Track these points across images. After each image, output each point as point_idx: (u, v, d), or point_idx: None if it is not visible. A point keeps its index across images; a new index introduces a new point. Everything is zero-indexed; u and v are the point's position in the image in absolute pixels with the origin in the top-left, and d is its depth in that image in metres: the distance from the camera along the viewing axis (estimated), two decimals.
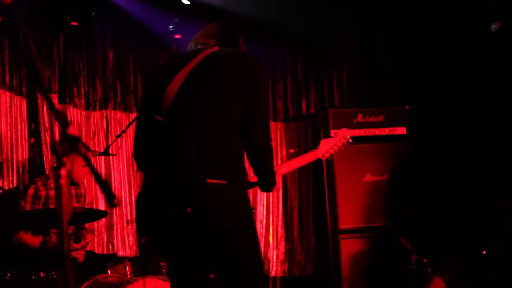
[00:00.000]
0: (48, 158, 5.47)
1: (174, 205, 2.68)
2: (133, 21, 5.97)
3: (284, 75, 6.71)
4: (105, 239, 5.74)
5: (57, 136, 5.47)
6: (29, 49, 1.86)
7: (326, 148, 3.48)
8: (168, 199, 2.70)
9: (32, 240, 4.55)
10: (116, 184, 5.84)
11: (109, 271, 4.58)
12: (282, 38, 6.58)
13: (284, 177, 6.37)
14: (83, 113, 5.79)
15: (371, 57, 6.79)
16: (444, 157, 6.06)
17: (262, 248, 6.28)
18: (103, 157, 5.68)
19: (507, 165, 5.47)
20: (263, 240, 6.41)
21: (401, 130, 6.13)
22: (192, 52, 2.94)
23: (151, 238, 2.89)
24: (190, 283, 2.83)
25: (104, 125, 5.88)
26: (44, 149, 5.48)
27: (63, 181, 1.77)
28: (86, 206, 4.99)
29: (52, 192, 4.68)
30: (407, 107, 6.20)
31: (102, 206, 5.63)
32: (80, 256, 4.65)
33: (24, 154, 5.40)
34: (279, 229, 6.54)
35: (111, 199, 1.82)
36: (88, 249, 4.86)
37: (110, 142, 5.60)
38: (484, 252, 5.14)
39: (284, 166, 3.32)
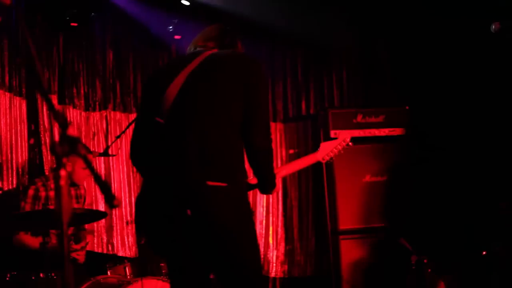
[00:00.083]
0: (47, 159, 5.47)
1: (174, 207, 2.69)
2: (133, 21, 5.97)
3: (284, 75, 6.70)
4: (104, 240, 5.73)
5: (56, 137, 5.46)
6: (29, 49, 1.86)
7: (326, 151, 3.48)
8: (168, 201, 2.70)
9: (32, 241, 4.55)
10: (115, 185, 5.84)
11: (108, 272, 4.57)
12: (281, 38, 6.57)
13: (284, 178, 6.33)
14: (83, 113, 5.79)
15: (371, 58, 6.79)
16: (443, 158, 6.06)
17: (262, 249, 6.28)
18: (102, 158, 5.68)
19: (506, 165, 5.47)
20: (262, 240, 6.41)
21: (401, 131, 6.12)
22: (191, 54, 2.95)
23: (151, 239, 2.89)
24: (190, 284, 2.83)
25: (104, 125, 5.87)
26: (44, 150, 5.47)
27: (62, 182, 1.77)
28: (85, 207, 4.99)
29: (52, 193, 4.68)
30: (407, 107, 6.19)
31: (102, 207, 5.63)
32: (80, 257, 4.64)
33: (23, 155, 5.40)
34: (279, 230, 6.53)
35: (111, 200, 1.82)
36: (87, 249, 4.85)
37: (109, 143, 5.59)
38: (484, 253, 5.14)
39: (284, 168, 3.33)
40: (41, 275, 3.98)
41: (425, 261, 5.33)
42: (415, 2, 5.98)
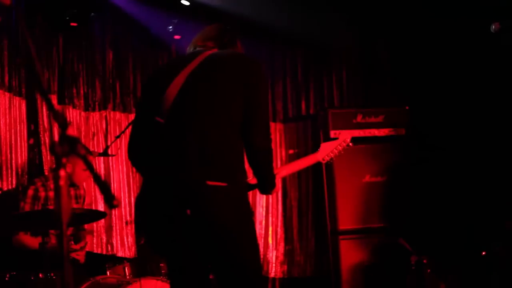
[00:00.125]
0: (47, 159, 5.46)
1: (174, 206, 2.69)
2: (133, 21, 5.96)
3: (283, 75, 6.70)
4: (104, 240, 5.73)
5: (56, 137, 5.46)
6: (29, 49, 1.86)
7: (326, 151, 3.48)
8: (168, 200, 2.70)
9: (31, 241, 4.54)
10: (115, 185, 5.83)
11: (108, 272, 4.57)
12: (281, 38, 6.57)
13: (284, 178, 6.32)
14: (83, 113, 5.78)
15: (371, 58, 6.78)
16: (443, 158, 6.06)
17: (261, 249, 6.28)
18: (102, 158, 5.68)
19: (507, 166, 5.47)
20: (262, 241, 6.40)
21: (401, 131, 6.12)
22: (191, 54, 2.95)
23: (151, 239, 2.89)
24: (190, 284, 2.83)
25: (104, 125, 5.87)
26: (43, 150, 5.47)
27: (62, 182, 1.76)
28: (85, 207, 4.99)
29: (51, 193, 4.68)
30: (407, 107, 6.19)
31: (101, 207, 5.62)
32: (80, 257, 4.64)
33: (23, 155, 5.39)
34: (279, 230, 6.53)
35: (110, 200, 1.82)
36: (86, 249, 4.85)
37: (109, 143, 5.59)
38: (483, 253, 5.14)
39: (284, 168, 3.33)
40: (40, 275, 3.97)
41: (424, 261, 5.33)
42: (415, 2, 5.97)
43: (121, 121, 5.94)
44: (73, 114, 5.72)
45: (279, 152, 6.56)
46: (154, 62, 6.12)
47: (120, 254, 5.72)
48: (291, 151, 6.60)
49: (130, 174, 5.90)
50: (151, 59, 6.15)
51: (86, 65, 5.85)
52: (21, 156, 5.37)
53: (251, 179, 2.95)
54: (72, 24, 5.63)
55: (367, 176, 6.00)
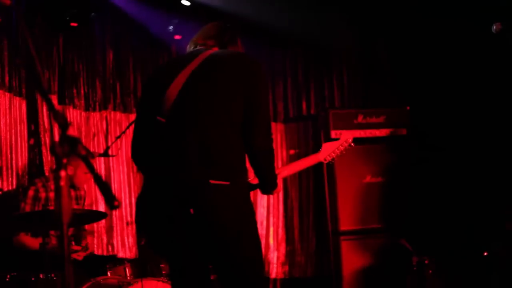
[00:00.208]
0: (47, 160, 5.45)
1: (175, 206, 2.68)
2: (133, 22, 5.96)
3: (284, 76, 6.70)
4: (104, 241, 5.72)
5: (56, 137, 5.45)
6: (29, 49, 1.85)
7: (328, 151, 3.47)
8: (169, 200, 2.70)
9: (32, 241, 4.54)
10: (115, 186, 5.82)
11: (108, 273, 4.56)
12: (282, 39, 6.56)
13: (285, 178, 6.30)
14: (83, 114, 5.77)
15: (372, 58, 6.78)
16: (444, 158, 6.05)
17: (262, 250, 6.26)
18: (102, 158, 5.67)
19: (507, 167, 5.46)
20: (263, 241, 6.39)
21: (402, 131, 6.11)
22: (191, 53, 2.95)
23: (152, 240, 2.88)
24: (191, 285, 2.82)
25: (104, 126, 5.86)
26: (44, 150, 5.46)
27: (62, 183, 1.76)
28: (85, 208, 4.98)
29: (52, 194, 4.67)
30: (408, 108, 6.18)
31: (102, 207, 5.61)
32: (80, 257, 4.63)
33: (23, 155, 5.38)
34: (280, 231, 6.52)
35: (111, 201, 1.81)
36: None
37: (109, 143, 5.58)
38: (485, 254, 5.13)
39: (286, 169, 3.32)
40: (41, 276, 3.97)
41: (426, 262, 5.32)
42: (415, 3, 5.97)
43: (122, 121, 5.93)
44: (73, 114, 5.71)
45: (280, 152, 6.56)
46: (154, 62, 6.11)
47: (120, 254, 5.72)
48: (292, 152, 6.60)
49: (131, 174, 5.90)
50: (151, 59, 6.14)
51: (86, 65, 5.84)
52: (21, 156, 5.36)
53: (253, 179, 2.94)
54: (72, 24, 5.62)
55: (368, 176, 6.00)
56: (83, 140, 5.64)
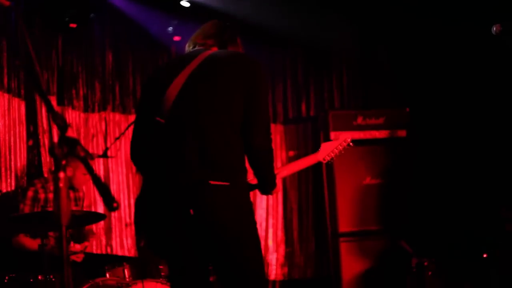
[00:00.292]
0: (46, 161, 5.44)
1: (176, 207, 2.68)
2: (132, 23, 5.95)
3: (284, 77, 6.69)
4: (103, 242, 5.71)
5: (55, 138, 5.44)
6: (28, 50, 1.85)
7: (326, 151, 3.47)
8: (169, 201, 2.69)
9: (31, 243, 4.53)
10: (114, 187, 5.82)
11: (107, 274, 4.55)
12: (281, 40, 6.56)
13: (284, 180, 6.34)
14: (82, 115, 5.77)
15: (371, 59, 6.77)
16: (444, 160, 6.05)
17: (262, 251, 6.26)
18: (101, 159, 5.66)
19: (507, 169, 5.46)
20: (262, 243, 6.38)
21: (402, 133, 6.11)
22: (191, 53, 2.95)
23: (151, 241, 2.88)
24: (191, 286, 2.82)
25: (103, 127, 5.85)
26: (43, 152, 5.45)
27: (61, 184, 1.75)
28: (84, 209, 4.97)
29: (51, 195, 4.66)
30: (408, 109, 6.18)
31: (101, 209, 5.60)
32: (78, 259, 4.63)
33: (22, 156, 5.37)
34: (279, 232, 6.52)
35: (110, 202, 1.81)
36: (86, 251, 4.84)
37: (108, 145, 5.57)
38: (485, 255, 5.13)
39: (285, 169, 3.31)
40: (39, 277, 3.96)
41: (425, 263, 5.32)
42: (415, 4, 5.96)
43: (121, 122, 5.92)
44: (72, 116, 5.71)
45: (279, 153, 6.55)
46: (154, 64, 6.11)
47: (119, 256, 5.70)
48: (291, 153, 6.59)
49: (130, 175, 5.89)
50: (150, 60, 6.13)
51: (85, 66, 5.84)
52: (20, 157, 5.35)
53: (252, 179, 2.94)
54: (71, 25, 5.61)
55: (367, 178, 5.99)
56: (82, 141, 5.63)
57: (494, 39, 3.41)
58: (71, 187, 4.78)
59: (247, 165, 2.82)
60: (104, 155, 5.05)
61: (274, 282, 6.45)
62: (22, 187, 5.23)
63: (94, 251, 5.60)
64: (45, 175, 5.28)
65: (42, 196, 4.64)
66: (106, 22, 5.95)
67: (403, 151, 6.09)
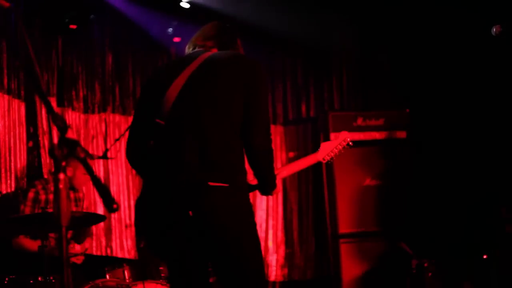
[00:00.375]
0: (46, 162, 5.44)
1: (175, 208, 2.68)
2: (132, 24, 5.95)
3: (283, 78, 6.69)
4: (103, 243, 5.71)
5: (55, 139, 5.43)
6: (28, 52, 1.85)
7: (326, 151, 3.46)
8: (168, 202, 2.69)
9: (31, 244, 4.53)
10: (114, 188, 5.81)
11: (107, 276, 4.54)
12: (281, 41, 6.56)
13: (284, 181, 6.35)
14: (82, 116, 5.77)
15: (371, 60, 6.77)
16: (444, 161, 6.05)
17: (262, 252, 6.25)
18: (101, 160, 5.66)
19: (507, 170, 5.46)
20: (262, 244, 6.37)
21: (401, 134, 6.11)
22: (191, 55, 2.95)
23: (151, 242, 2.88)
24: (190, 287, 2.81)
25: (103, 128, 5.85)
26: (43, 153, 5.45)
27: (61, 186, 1.75)
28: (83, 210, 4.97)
29: (52, 196, 4.66)
30: (407, 110, 6.18)
31: (101, 210, 5.60)
32: (79, 261, 4.62)
33: (22, 157, 5.37)
34: (279, 233, 6.52)
35: (110, 204, 1.81)
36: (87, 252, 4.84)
37: (108, 146, 5.57)
38: (485, 256, 5.13)
39: (285, 169, 3.31)
40: (39, 278, 3.96)
41: (425, 264, 5.32)
42: (414, 6, 5.96)
43: (121, 123, 5.92)
44: (72, 117, 5.71)
45: (279, 154, 6.55)
46: (153, 65, 6.10)
47: (119, 257, 5.70)
48: (291, 154, 6.60)
49: (130, 177, 5.89)
50: (150, 62, 6.13)
51: (85, 67, 5.84)
52: (20, 159, 5.35)
53: (252, 180, 2.93)
54: (71, 26, 5.61)
55: (367, 179, 5.99)
56: (82, 143, 5.63)
57: (494, 39, 3.41)
58: (71, 187, 4.78)
59: (247, 165, 2.82)
60: (104, 157, 5.05)
61: (274, 283, 6.45)
62: (22, 188, 5.23)
63: (94, 253, 5.60)
64: (45, 176, 5.28)
65: (43, 197, 4.64)
66: (106, 23, 5.95)
67: (403, 152, 6.09)
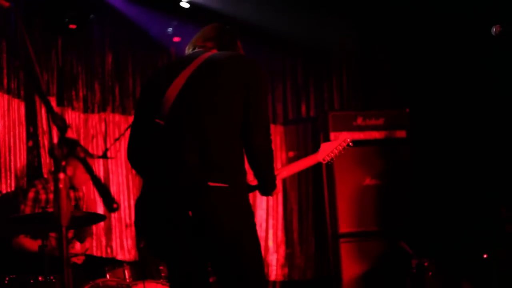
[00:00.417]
0: (46, 162, 5.44)
1: (175, 209, 2.68)
2: (132, 24, 5.95)
3: (283, 78, 6.69)
4: (103, 243, 5.71)
5: (55, 139, 5.43)
6: (27, 52, 1.85)
7: (326, 151, 3.46)
8: (168, 203, 2.69)
9: (31, 244, 4.53)
10: (114, 188, 5.81)
11: (108, 275, 4.54)
12: (281, 41, 6.56)
13: (284, 181, 6.33)
14: (81, 116, 5.76)
15: (371, 60, 6.77)
16: (444, 160, 6.05)
17: (262, 252, 6.25)
18: (101, 160, 5.66)
19: (507, 169, 5.46)
20: (262, 243, 6.39)
21: (401, 133, 6.11)
22: (191, 55, 2.95)
23: (151, 242, 2.88)
24: (190, 287, 2.81)
25: (103, 128, 5.85)
26: (42, 153, 5.45)
27: (61, 185, 1.75)
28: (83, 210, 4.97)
29: (52, 196, 4.66)
30: (407, 110, 6.18)
31: (101, 210, 5.60)
32: (79, 261, 4.62)
33: (22, 157, 5.37)
34: (279, 233, 6.52)
35: (110, 203, 1.81)
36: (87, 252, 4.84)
37: (108, 145, 5.57)
38: (485, 256, 5.13)
39: (285, 169, 3.31)
40: (40, 278, 3.96)
41: (425, 264, 5.32)
42: (414, 6, 5.96)
43: (120, 123, 5.92)
44: (72, 116, 5.71)
45: (279, 154, 6.55)
46: (153, 65, 6.11)
47: (119, 257, 5.71)
48: (291, 154, 6.60)
49: (130, 176, 5.89)
50: (150, 62, 6.13)
51: (85, 67, 5.83)
52: (20, 158, 5.35)
53: (252, 180, 2.94)
54: (71, 26, 5.60)
55: (367, 179, 5.99)
56: (82, 142, 5.63)
57: (494, 39, 3.41)
58: (71, 186, 4.78)
59: (247, 166, 2.82)
60: (104, 156, 5.05)
61: (274, 283, 6.45)
62: (22, 188, 5.23)
63: (94, 253, 5.60)
64: (45, 176, 5.28)
65: (43, 197, 4.64)
66: (106, 23, 5.95)
67: (403, 152, 6.09)
